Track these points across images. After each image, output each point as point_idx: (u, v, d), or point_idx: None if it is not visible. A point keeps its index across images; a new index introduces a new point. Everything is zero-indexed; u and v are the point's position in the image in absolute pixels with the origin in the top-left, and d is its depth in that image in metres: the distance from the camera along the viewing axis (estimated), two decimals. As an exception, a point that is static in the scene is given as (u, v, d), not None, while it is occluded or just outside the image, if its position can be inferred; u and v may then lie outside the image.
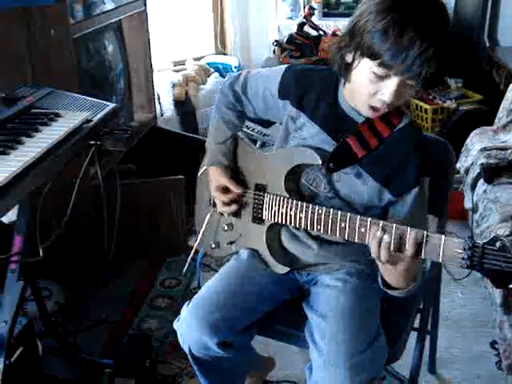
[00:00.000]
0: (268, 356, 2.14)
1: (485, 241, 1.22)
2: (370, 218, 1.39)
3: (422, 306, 1.86)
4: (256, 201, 1.66)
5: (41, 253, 1.64)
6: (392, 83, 1.37)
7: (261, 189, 1.66)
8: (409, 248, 1.30)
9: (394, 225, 1.33)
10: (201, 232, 1.82)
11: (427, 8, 1.35)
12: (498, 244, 1.20)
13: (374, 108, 1.44)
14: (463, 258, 1.24)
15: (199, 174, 1.89)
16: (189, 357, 1.64)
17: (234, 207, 1.70)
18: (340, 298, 1.59)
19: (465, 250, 1.24)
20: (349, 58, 1.43)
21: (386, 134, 1.51)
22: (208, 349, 1.57)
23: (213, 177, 1.73)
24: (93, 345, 2.39)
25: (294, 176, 1.60)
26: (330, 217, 1.46)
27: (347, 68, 1.44)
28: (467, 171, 3.19)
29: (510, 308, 2.18)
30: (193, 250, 1.86)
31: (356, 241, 1.42)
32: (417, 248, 1.30)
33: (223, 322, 1.55)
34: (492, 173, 2.79)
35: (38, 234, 1.71)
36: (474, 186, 3.01)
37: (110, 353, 2.30)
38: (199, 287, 1.76)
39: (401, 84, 1.37)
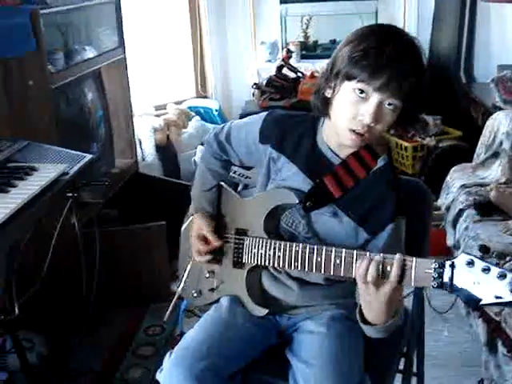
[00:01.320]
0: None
1: (454, 259, 1.23)
2: (343, 249, 1.42)
3: (405, 349, 1.84)
4: (236, 245, 1.67)
5: (16, 310, 1.62)
6: (372, 102, 1.40)
7: (241, 233, 1.67)
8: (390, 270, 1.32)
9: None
10: (183, 281, 1.81)
11: (402, 34, 1.47)
12: (466, 260, 1.21)
13: (354, 131, 1.45)
14: (434, 278, 1.25)
15: (183, 227, 1.89)
16: None
17: (207, 257, 1.71)
18: (324, 344, 1.58)
19: (435, 269, 1.25)
20: (328, 92, 1.48)
21: (362, 175, 1.54)
22: None
23: (196, 224, 1.74)
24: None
25: (272, 218, 1.61)
26: (307, 251, 1.47)
27: (327, 103, 1.50)
28: (448, 208, 3.21)
29: (495, 347, 2.17)
30: (175, 297, 1.85)
31: (332, 272, 1.43)
32: (399, 272, 1.31)
33: (208, 371, 1.52)
34: (486, 207, 2.82)
35: (14, 291, 1.69)
36: (455, 223, 3.03)
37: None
38: (181, 334, 1.74)
39: (380, 104, 1.40)
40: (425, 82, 1.44)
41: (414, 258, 1.29)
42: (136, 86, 3.59)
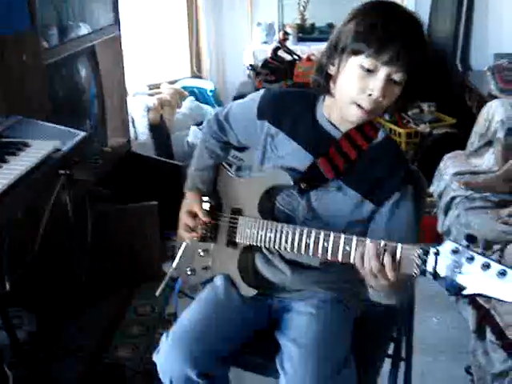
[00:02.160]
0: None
1: (438, 246, 1.20)
2: (331, 232, 1.41)
3: (395, 334, 1.85)
4: (231, 224, 1.68)
5: (7, 286, 1.61)
6: (380, 76, 1.40)
7: (236, 212, 1.67)
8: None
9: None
10: (176, 258, 1.81)
11: (403, 8, 1.48)
12: (451, 248, 1.18)
13: (360, 107, 1.45)
14: (417, 265, 1.24)
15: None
16: None
17: (194, 234, 1.72)
18: (312, 324, 1.59)
19: (419, 256, 1.24)
20: (332, 69, 1.49)
21: (365, 146, 1.54)
22: (190, 380, 1.55)
23: (188, 201, 1.75)
24: (66, 374, 2.34)
25: (268, 199, 1.61)
26: (297, 233, 1.47)
27: (329, 81, 1.50)
28: (440, 195, 3.22)
29: (484, 334, 2.19)
30: (167, 276, 1.84)
31: (320, 255, 1.43)
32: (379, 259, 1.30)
33: (205, 353, 1.54)
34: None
35: (4, 267, 1.68)
36: (447, 210, 3.04)
37: (84, 382, 2.26)
38: (175, 315, 1.75)
39: (388, 78, 1.40)
40: (428, 58, 1.45)
41: (400, 244, 1.28)
42: (130, 64, 3.56)
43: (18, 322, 2.59)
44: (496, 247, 2.36)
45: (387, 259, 1.29)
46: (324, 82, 1.52)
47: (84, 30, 2.85)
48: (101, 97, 3.22)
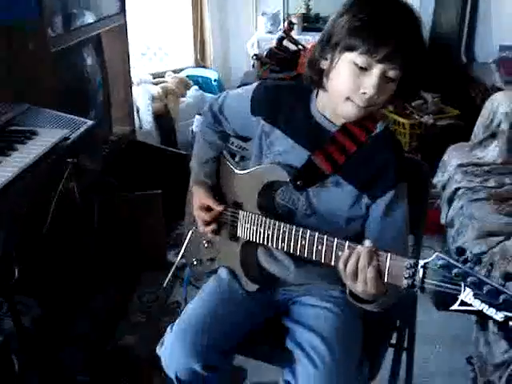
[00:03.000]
0: (239, 366, 2.14)
1: (427, 260, 1.18)
2: (325, 236, 1.38)
3: (398, 323, 1.87)
4: (233, 218, 1.67)
5: (16, 273, 1.62)
6: (374, 73, 1.37)
7: (237, 206, 1.66)
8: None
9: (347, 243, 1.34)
10: (182, 249, 1.82)
11: (402, 5, 1.40)
12: (439, 263, 1.16)
13: (354, 103, 1.43)
14: (405, 278, 1.21)
15: (189, 193, 1.89)
16: (175, 382, 1.62)
17: (213, 226, 1.70)
18: (330, 319, 1.59)
19: (407, 268, 1.21)
20: (324, 64, 1.45)
21: (363, 137, 1.51)
22: (195, 373, 1.56)
23: (196, 196, 1.74)
24: (70, 361, 2.36)
25: (267, 194, 1.59)
26: (293, 233, 1.45)
27: (322, 76, 1.46)
28: (444, 187, 3.23)
29: (486, 325, 2.20)
30: (173, 266, 1.86)
31: (314, 257, 1.41)
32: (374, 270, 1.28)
33: (209, 347, 1.54)
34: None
35: (14, 255, 1.69)
36: (450, 202, 3.05)
37: (88, 369, 2.28)
38: (179, 304, 1.76)
39: (382, 75, 1.37)
40: (425, 52, 1.42)
41: (389, 255, 1.26)
42: (135, 53, 3.56)
43: (23, 309, 2.61)
44: (485, 260, 2.36)
45: (372, 270, 1.27)
46: (317, 77, 1.48)
47: (89, 18, 2.85)
48: (106, 85, 3.23)
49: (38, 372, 2.22)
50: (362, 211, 1.53)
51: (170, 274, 1.82)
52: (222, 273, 1.73)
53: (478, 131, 3.40)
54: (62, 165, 1.69)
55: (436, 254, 1.18)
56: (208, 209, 1.70)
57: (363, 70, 1.38)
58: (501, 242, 2.42)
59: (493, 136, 3.27)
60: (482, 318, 1.15)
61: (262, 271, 1.69)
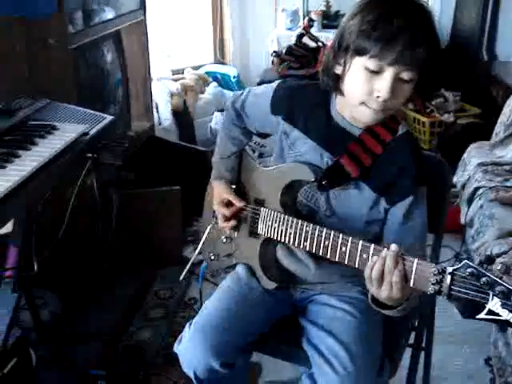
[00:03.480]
0: (255, 362, 2.14)
1: (456, 266, 1.16)
2: (350, 237, 1.37)
3: (416, 323, 1.86)
4: (253, 215, 1.67)
5: (35, 267, 1.63)
6: (387, 76, 1.35)
7: (259, 203, 1.66)
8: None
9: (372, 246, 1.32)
10: (201, 243, 1.82)
11: (411, 4, 1.38)
12: (468, 270, 1.14)
13: (369, 107, 1.42)
14: (432, 283, 1.19)
15: (209, 187, 1.89)
16: (193, 380, 1.62)
17: (233, 222, 1.70)
18: (351, 321, 1.58)
19: (434, 274, 1.19)
20: (338, 69, 1.44)
21: (388, 137, 1.50)
22: (213, 370, 1.56)
23: (216, 191, 1.74)
24: (86, 356, 2.37)
25: (289, 192, 1.59)
26: (316, 233, 1.44)
27: (338, 80, 1.45)
28: (464, 186, 3.20)
29: (505, 326, 2.17)
30: (191, 260, 1.86)
31: (337, 259, 1.40)
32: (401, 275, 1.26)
33: (228, 345, 1.55)
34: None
35: (33, 248, 1.70)
36: (470, 201, 3.02)
37: (104, 364, 2.29)
38: (201, 300, 1.76)
39: (395, 77, 1.35)
40: (439, 51, 1.40)
41: (416, 260, 1.24)
42: (154, 50, 3.56)
43: (41, 303, 2.63)
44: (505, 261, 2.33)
45: (398, 274, 1.25)
46: (332, 83, 1.47)
47: (109, 14, 2.85)
48: (125, 81, 3.23)
49: (54, 366, 2.24)
50: (380, 215, 1.53)
51: (186, 269, 1.82)
52: (240, 270, 1.73)
53: (499, 130, 3.36)
54: (81, 160, 1.70)
55: (465, 261, 1.17)
56: (228, 204, 1.70)
57: (375, 73, 1.36)
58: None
59: (514, 135, 3.23)
60: (510, 327, 1.13)
61: (280, 269, 1.69)
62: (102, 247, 2.26)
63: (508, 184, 2.93)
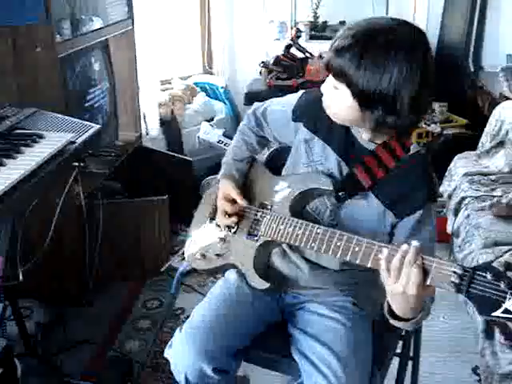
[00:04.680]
0: (243, 375, 2.13)
1: (476, 266, 1.22)
2: (365, 239, 1.39)
3: (404, 332, 1.86)
4: (256, 217, 1.67)
5: (20, 276, 1.62)
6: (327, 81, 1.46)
7: (264, 207, 1.68)
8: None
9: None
10: (192, 239, 1.81)
11: (373, 30, 1.40)
12: (489, 271, 1.19)
13: None
14: (452, 282, 1.24)
15: (210, 190, 1.89)
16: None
17: (234, 219, 1.70)
18: (341, 331, 1.59)
19: (455, 273, 1.23)
20: None
21: (401, 153, 1.53)
22: (204, 375, 1.56)
23: (222, 186, 1.74)
24: (73, 366, 2.36)
25: (301, 200, 1.62)
26: (328, 234, 1.46)
27: None
28: (450, 196, 3.21)
29: (492, 335, 2.18)
30: (176, 255, 1.85)
31: (348, 258, 1.41)
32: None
33: (219, 349, 1.56)
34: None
35: (18, 258, 1.69)
36: (456, 211, 3.03)
37: (91, 375, 2.28)
38: (174, 298, 1.74)
39: (331, 83, 1.44)
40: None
41: (436, 259, 1.27)
42: (142, 59, 3.56)
43: (27, 314, 2.62)
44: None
45: (417, 267, 1.27)
46: None
47: (97, 24, 2.85)
48: (113, 91, 3.23)
49: (40, 376, 2.22)
50: (385, 229, 1.55)
51: (168, 263, 1.80)
52: (230, 276, 1.73)
53: (485, 140, 3.39)
54: (67, 169, 1.69)
55: (484, 262, 1.21)
56: (232, 201, 1.71)
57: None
58: (507, 251, 2.40)
59: (500, 145, 3.26)
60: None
61: (273, 271, 1.70)
62: (89, 257, 2.25)
63: (494, 194, 2.95)
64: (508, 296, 1.17)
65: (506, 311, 1.17)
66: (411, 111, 1.40)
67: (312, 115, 1.61)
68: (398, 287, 1.29)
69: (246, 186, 1.76)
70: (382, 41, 1.36)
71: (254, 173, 1.79)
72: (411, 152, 1.55)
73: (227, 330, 1.59)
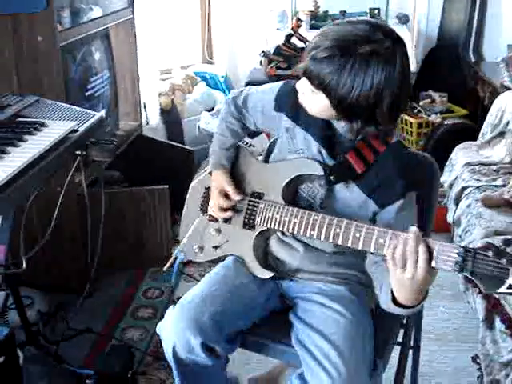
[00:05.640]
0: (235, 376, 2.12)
1: (477, 246, 1.27)
2: (365, 225, 1.42)
3: (405, 321, 1.86)
4: (250, 207, 1.68)
5: (24, 264, 1.62)
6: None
7: (256, 196, 1.68)
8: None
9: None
10: (188, 233, 1.81)
11: (349, 36, 1.39)
12: (490, 249, 1.23)
13: None
14: (456, 262, 1.26)
15: (194, 182, 1.89)
16: (171, 360, 1.62)
17: (229, 213, 1.71)
18: (341, 322, 1.59)
19: (458, 254, 1.26)
20: None
21: (381, 149, 1.54)
22: (192, 350, 1.56)
23: (215, 180, 1.75)
24: (74, 355, 2.36)
25: (292, 186, 1.63)
26: (326, 221, 1.48)
27: None
28: (451, 186, 3.22)
29: (493, 323, 2.19)
30: (176, 251, 1.85)
31: (349, 244, 1.43)
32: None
33: (210, 324, 1.55)
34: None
35: (21, 245, 1.69)
36: (457, 201, 3.04)
37: (92, 363, 2.28)
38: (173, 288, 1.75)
39: (307, 86, 1.44)
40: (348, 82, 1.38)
41: (438, 242, 1.30)
42: (142, 49, 3.55)
43: (28, 302, 2.62)
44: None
45: (422, 252, 1.28)
46: None
47: (98, 12, 2.85)
48: (113, 80, 3.22)
49: (42, 365, 2.22)
50: (369, 215, 1.56)
51: (170, 260, 1.81)
52: (229, 262, 1.74)
53: (486, 130, 3.39)
54: (70, 157, 1.69)
55: (486, 240, 1.25)
56: (227, 196, 1.72)
57: None
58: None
59: (501, 135, 3.26)
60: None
61: (271, 258, 1.71)
62: (90, 246, 2.24)
63: (495, 184, 2.95)
64: (511, 271, 1.21)
65: (511, 286, 1.22)
66: (390, 119, 1.44)
67: (293, 105, 1.61)
68: (407, 274, 1.30)
69: (235, 175, 1.77)
70: (363, 52, 1.35)
71: (243, 160, 1.79)
72: (393, 140, 1.57)
73: (220, 306, 1.59)
